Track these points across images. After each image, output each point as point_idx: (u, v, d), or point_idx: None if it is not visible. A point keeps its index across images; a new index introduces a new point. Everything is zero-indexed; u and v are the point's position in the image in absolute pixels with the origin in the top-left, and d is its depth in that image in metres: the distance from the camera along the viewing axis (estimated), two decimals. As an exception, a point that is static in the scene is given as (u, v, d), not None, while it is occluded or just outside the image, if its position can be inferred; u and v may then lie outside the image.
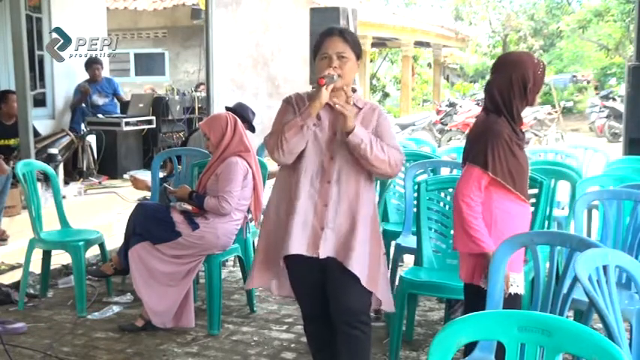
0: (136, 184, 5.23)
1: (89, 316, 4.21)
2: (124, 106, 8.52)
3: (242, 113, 4.82)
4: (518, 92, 2.69)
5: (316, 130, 2.68)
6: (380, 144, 2.65)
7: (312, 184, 2.70)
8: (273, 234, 2.79)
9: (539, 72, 2.71)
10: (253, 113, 5.21)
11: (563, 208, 4.82)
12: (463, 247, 2.77)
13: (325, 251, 2.66)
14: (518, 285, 2.69)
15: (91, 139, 7.88)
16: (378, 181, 4.02)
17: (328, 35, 2.72)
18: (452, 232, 3.54)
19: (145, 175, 5.56)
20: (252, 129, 4.98)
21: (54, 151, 6.73)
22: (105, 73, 8.45)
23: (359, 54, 2.76)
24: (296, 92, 2.83)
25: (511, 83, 2.68)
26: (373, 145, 2.63)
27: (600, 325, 2.08)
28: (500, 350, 1.95)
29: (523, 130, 2.81)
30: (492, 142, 2.66)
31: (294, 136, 2.64)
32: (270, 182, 5.63)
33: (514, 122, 2.72)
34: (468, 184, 2.70)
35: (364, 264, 2.66)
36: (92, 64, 7.97)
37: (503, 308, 2.57)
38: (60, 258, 4.87)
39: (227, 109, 4.78)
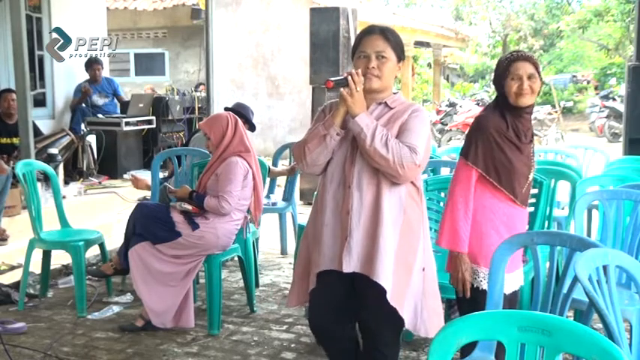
0: (137, 183, 5.23)
1: (89, 316, 4.21)
2: (124, 106, 8.53)
3: (242, 112, 4.83)
4: (496, 91, 2.81)
5: (342, 137, 2.52)
6: (387, 139, 2.41)
7: (336, 191, 2.54)
8: (311, 247, 2.64)
9: (502, 67, 2.74)
10: (252, 113, 5.22)
11: (563, 208, 4.83)
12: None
13: (350, 265, 2.48)
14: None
15: (91, 139, 7.89)
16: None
17: (368, 34, 2.56)
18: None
19: (145, 175, 5.56)
20: (252, 128, 5.00)
21: (54, 151, 6.73)
22: (105, 73, 8.46)
23: (400, 55, 2.58)
24: (336, 100, 2.57)
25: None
26: (376, 137, 2.40)
27: (600, 325, 2.08)
28: (501, 350, 1.95)
29: (526, 132, 2.76)
30: (475, 134, 2.73)
31: (317, 147, 2.50)
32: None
33: (509, 115, 2.72)
34: (454, 179, 2.77)
35: (388, 277, 2.43)
36: (93, 64, 7.98)
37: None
38: (60, 258, 4.87)
39: (226, 109, 4.78)
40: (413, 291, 2.51)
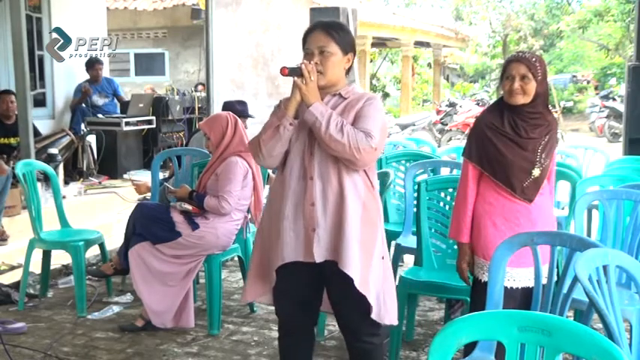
0: (139, 189, 5.24)
1: (89, 316, 4.21)
2: (124, 106, 8.53)
3: (230, 109, 4.85)
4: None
5: (299, 129, 2.54)
6: (342, 125, 2.43)
7: (297, 184, 2.54)
8: (267, 242, 2.65)
9: (503, 66, 2.89)
10: (240, 102, 5.33)
11: (563, 208, 4.82)
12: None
13: (320, 254, 2.51)
14: (509, 279, 2.73)
15: (91, 139, 7.89)
16: (378, 180, 4.01)
17: (311, 31, 2.59)
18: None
19: (144, 176, 5.57)
20: (248, 116, 5.13)
21: (54, 151, 6.73)
22: (105, 73, 8.46)
23: (348, 49, 2.58)
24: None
25: None
26: (331, 124, 2.42)
27: (600, 325, 2.08)
28: (501, 350, 1.95)
29: (528, 129, 2.81)
30: (471, 130, 2.94)
31: (272, 138, 2.52)
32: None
33: (508, 112, 2.81)
34: (460, 175, 2.94)
35: (356, 265, 2.48)
36: (95, 64, 7.98)
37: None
38: (60, 258, 4.87)
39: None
40: (375, 279, 2.55)
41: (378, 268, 2.58)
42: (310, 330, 2.78)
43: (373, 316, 2.53)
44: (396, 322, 2.65)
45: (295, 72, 2.46)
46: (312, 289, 2.65)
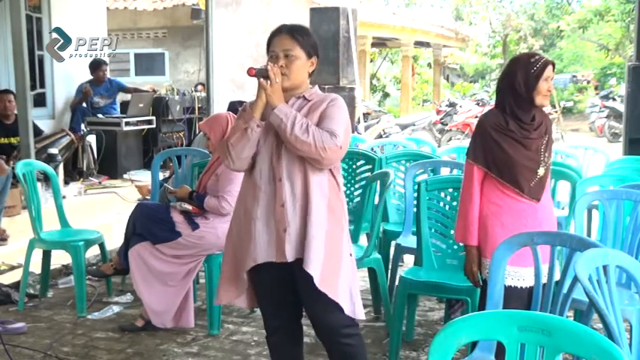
0: (141, 191, 5.25)
1: (89, 316, 4.21)
2: (124, 106, 8.53)
3: (230, 109, 4.87)
4: (508, 88, 2.83)
5: (266, 131, 2.57)
6: (307, 126, 2.47)
7: (267, 186, 2.59)
8: (238, 244, 2.67)
9: (533, 71, 2.79)
10: (240, 103, 5.35)
11: (563, 208, 4.82)
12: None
13: (292, 253, 2.55)
14: (519, 279, 2.74)
15: (91, 139, 7.89)
16: (378, 181, 4.01)
17: (277, 33, 2.62)
18: (452, 231, 3.56)
19: (144, 177, 5.58)
20: None
21: (54, 151, 6.73)
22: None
23: (312, 53, 2.63)
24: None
25: (502, 79, 2.90)
26: (295, 125, 2.46)
27: (600, 325, 2.08)
28: (501, 350, 1.95)
29: (531, 129, 2.83)
30: (475, 132, 2.91)
31: (240, 141, 2.55)
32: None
33: (508, 115, 2.82)
34: (463, 177, 2.93)
35: (318, 263, 2.51)
36: (101, 65, 7.98)
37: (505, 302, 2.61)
38: (60, 258, 4.87)
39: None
40: (345, 276, 2.59)
41: (348, 265, 2.63)
42: (294, 328, 2.80)
43: (347, 312, 2.56)
44: (364, 317, 2.68)
45: (262, 73, 2.51)
46: (286, 288, 2.66)
